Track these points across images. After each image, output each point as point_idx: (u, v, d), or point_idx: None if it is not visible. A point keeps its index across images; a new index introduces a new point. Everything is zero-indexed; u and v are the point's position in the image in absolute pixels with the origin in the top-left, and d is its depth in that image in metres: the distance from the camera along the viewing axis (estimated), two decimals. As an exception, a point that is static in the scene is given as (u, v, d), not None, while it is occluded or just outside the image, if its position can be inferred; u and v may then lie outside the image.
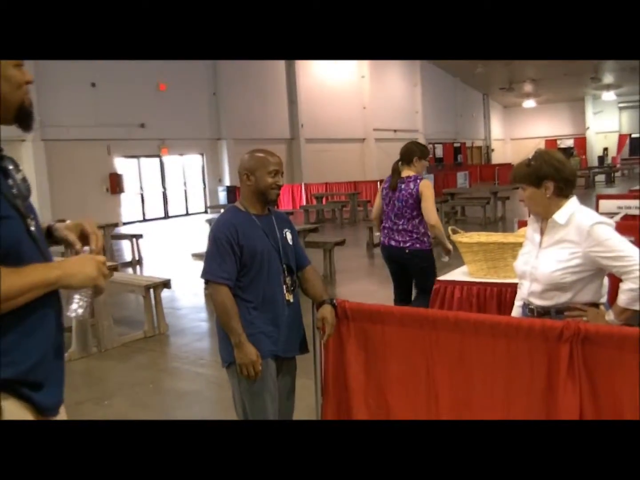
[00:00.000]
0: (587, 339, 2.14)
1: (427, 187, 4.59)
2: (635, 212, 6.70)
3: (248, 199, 2.66)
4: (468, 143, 37.37)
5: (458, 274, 4.10)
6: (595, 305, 2.47)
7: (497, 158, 39.70)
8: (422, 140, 31.79)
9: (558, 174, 2.49)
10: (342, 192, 19.27)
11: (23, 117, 1.50)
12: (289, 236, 2.75)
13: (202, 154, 21.38)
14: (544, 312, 2.52)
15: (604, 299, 2.53)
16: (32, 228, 1.49)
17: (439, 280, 4.04)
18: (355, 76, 27.56)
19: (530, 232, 2.68)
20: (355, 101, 27.44)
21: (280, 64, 23.75)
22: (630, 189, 10.00)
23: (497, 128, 41.40)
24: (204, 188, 21.66)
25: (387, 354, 2.56)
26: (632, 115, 37.72)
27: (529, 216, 2.79)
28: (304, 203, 19.80)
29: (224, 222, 2.62)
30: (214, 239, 2.58)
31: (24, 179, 1.54)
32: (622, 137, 37.69)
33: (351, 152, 27.44)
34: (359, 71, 27.63)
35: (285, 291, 2.67)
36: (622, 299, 2.34)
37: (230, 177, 21.31)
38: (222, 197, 20.67)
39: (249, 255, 2.57)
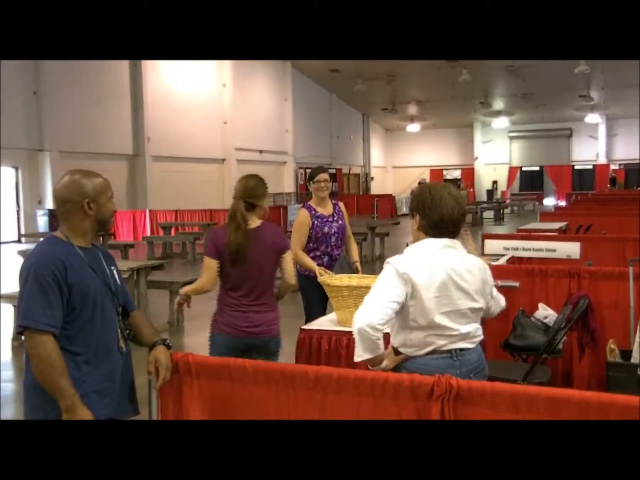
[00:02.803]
0: (460, 397, 2.31)
1: (298, 216, 5.30)
2: (523, 254, 7.18)
3: (78, 230, 2.63)
4: (344, 169, 38.68)
5: (326, 322, 4.23)
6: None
7: (376, 188, 41.40)
8: (291, 164, 32.61)
9: (423, 210, 2.85)
10: (195, 222, 19.19)
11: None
12: (116, 274, 2.76)
13: (16, 168, 20.34)
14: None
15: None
16: None
17: (303, 329, 4.14)
18: (216, 84, 27.74)
19: None
20: (214, 114, 27.55)
21: (124, 62, 23.32)
22: (518, 228, 10.83)
23: (377, 154, 43.28)
24: (18, 211, 20.59)
25: (237, 416, 2.59)
26: (523, 146, 41.16)
27: None
28: (148, 234, 19.46)
29: (47, 254, 2.52)
30: (35, 274, 2.46)
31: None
32: (512, 170, 40.87)
33: (208, 174, 27.40)
34: (220, 79, 27.84)
35: (120, 337, 2.68)
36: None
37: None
38: (43, 222, 19.75)
39: (80, 296, 2.52)
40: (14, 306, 4.72)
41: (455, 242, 2.90)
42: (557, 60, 26.19)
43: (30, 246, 16.74)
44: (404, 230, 22.59)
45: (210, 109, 27.34)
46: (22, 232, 20.12)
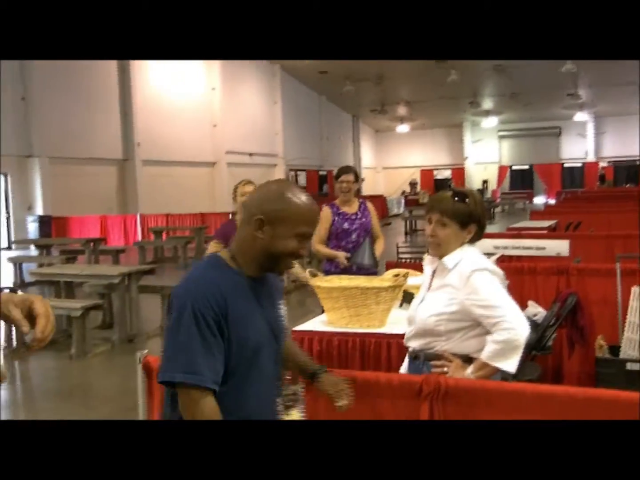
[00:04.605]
0: (448, 395, 2.34)
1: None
2: (513, 252, 7.22)
3: (247, 255, 2.03)
4: (335, 171, 38.54)
5: (317, 323, 4.25)
6: (470, 359, 2.69)
7: (367, 188, 41.46)
8: (282, 166, 32.63)
9: (481, 220, 2.80)
10: (187, 226, 19.17)
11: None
12: (283, 312, 2.29)
13: (5, 175, 20.27)
14: (415, 355, 2.79)
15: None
16: None
17: (295, 331, 4.16)
18: (205, 88, 27.73)
19: (425, 274, 2.97)
20: (204, 117, 27.54)
21: (112, 66, 23.29)
22: (508, 227, 10.89)
23: (368, 155, 43.35)
24: (8, 217, 20.53)
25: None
26: (512, 145, 41.30)
27: (426, 255, 3.03)
28: (139, 238, 19.42)
29: (205, 282, 1.97)
30: (192, 311, 1.88)
31: None
32: (502, 169, 41.02)
33: (198, 178, 27.40)
34: (209, 82, 27.84)
35: (278, 404, 2.17)
36: (485, 351, 2.58)
37: (44, 204, 20.39)
38: (33, 229, 19.69)
39: (239, 344, 1.94)
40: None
41: None
42: (544, 60, 26.29)
43: (21, 253, 16.75)
44: (396, 231, 22.66)
45: (200, 112, 27.33)
46: (12, 238, 20.05)
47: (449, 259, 2.76)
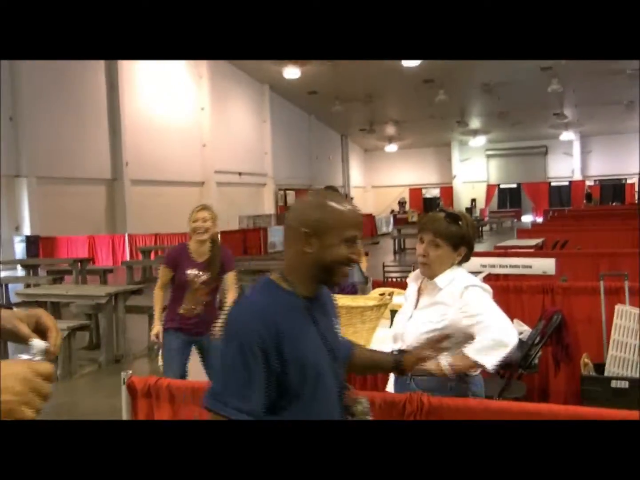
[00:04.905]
0: (432, 414, 2.34)
1: None
2: (500, 271, 7.25)
3: (300, 272, 1.95)
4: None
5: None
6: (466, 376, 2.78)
7: (357, 208, 41.58)
8: (271, 186, 32.70)
9: (471, 242, 2.88)
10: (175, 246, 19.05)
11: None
12: (339, 330, 2.14)
13: (-7, 195, 20.24)
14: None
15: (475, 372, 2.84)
16: None
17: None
18: (194, 107, 27.82)
19: (409, 292, 3.01)
20: (193, 137, 27.60)
21: (101, 84, 23.33)
22: (495, 245, 10.94)
23: (356, 174, 43.55)
24: (-5, 238, 20.43)
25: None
26: (500, 164, 41.59)
27: (412, 273, 3.11)
28: (127, 258, 19.34)
29: (257, 311, 1.88)
30: (239, 343, 1.81)
31: None
32: (490, 188, 41.27)
33: (187, 197, 27.36)
34: (198, 102, 27.94)
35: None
36: (470, 346, 2.64)
37: (32, 224, 20.30)
38: (20, 249, 19.61)
39: (298, 364, 1.85)
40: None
41: None
42: (531, 79, 26.60)
43: (8, 273, 16.62)
44: (384, 250, 22.70)
45: (189, 132, 27.38)
46: (0, 259, 19.92)
47: (440, 279, 2.81)
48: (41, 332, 1.45)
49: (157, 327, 4.87)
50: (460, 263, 2.87)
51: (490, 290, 2.82)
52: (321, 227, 1.91)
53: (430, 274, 2.85)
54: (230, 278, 4.94)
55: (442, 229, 2.80)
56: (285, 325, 1.83)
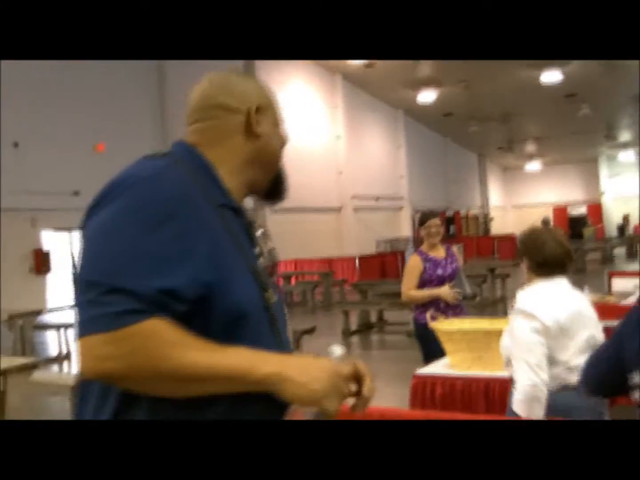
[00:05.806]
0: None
1: (409, 261, 5.34)
2: (656, 291, 6.77)
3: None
4: (462, 211, 38.26)
5: (439, 367, 4.23)
6: None
7: (496, 228, 40.61)
8: (408, 209, 32.62)
9: (531, 254, 3.04)
10: (314, 271, 19.44)
11: (278, 185, 1.61)
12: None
13: None
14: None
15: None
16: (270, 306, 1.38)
17: (417, 375, 4.16)
18: (329, 137, 28.37)
19: None
20: (329, 165, 28.11)
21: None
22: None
23: (495, 194, 42.56)
24: None
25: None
26: (655, 176, 39.12)
27: None
28: (269, 284, 19.85)
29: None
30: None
31: (271, 251, 1.50)
32: (645, 202, 38.90)
33: (325, 223, 27.88)
34: (334, 131, 28.47)
35: None
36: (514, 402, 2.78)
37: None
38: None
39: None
40: None
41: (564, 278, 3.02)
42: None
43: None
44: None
45: (326, 160, 27.90)
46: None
47: (519, 294, 3.09)
48: (357, 380, 1.39)
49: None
50: (542, 276, 2.98)
51: (537, 316, 2.81)
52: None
53: None
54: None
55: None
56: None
